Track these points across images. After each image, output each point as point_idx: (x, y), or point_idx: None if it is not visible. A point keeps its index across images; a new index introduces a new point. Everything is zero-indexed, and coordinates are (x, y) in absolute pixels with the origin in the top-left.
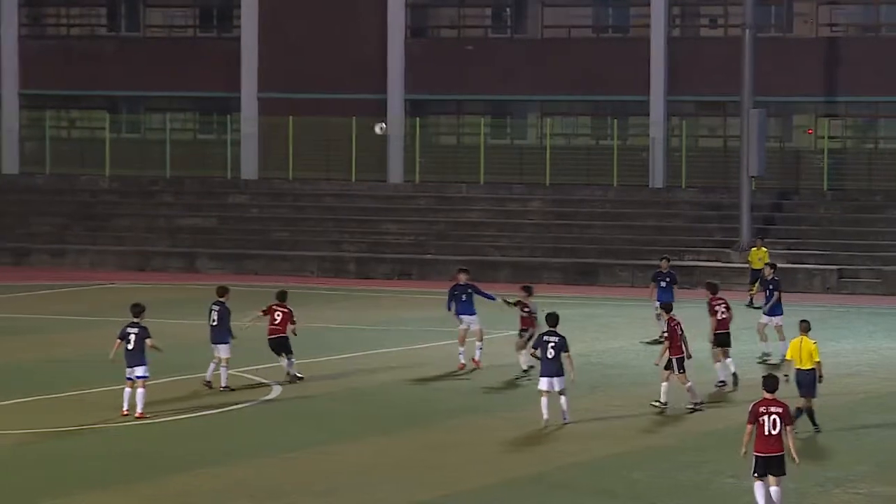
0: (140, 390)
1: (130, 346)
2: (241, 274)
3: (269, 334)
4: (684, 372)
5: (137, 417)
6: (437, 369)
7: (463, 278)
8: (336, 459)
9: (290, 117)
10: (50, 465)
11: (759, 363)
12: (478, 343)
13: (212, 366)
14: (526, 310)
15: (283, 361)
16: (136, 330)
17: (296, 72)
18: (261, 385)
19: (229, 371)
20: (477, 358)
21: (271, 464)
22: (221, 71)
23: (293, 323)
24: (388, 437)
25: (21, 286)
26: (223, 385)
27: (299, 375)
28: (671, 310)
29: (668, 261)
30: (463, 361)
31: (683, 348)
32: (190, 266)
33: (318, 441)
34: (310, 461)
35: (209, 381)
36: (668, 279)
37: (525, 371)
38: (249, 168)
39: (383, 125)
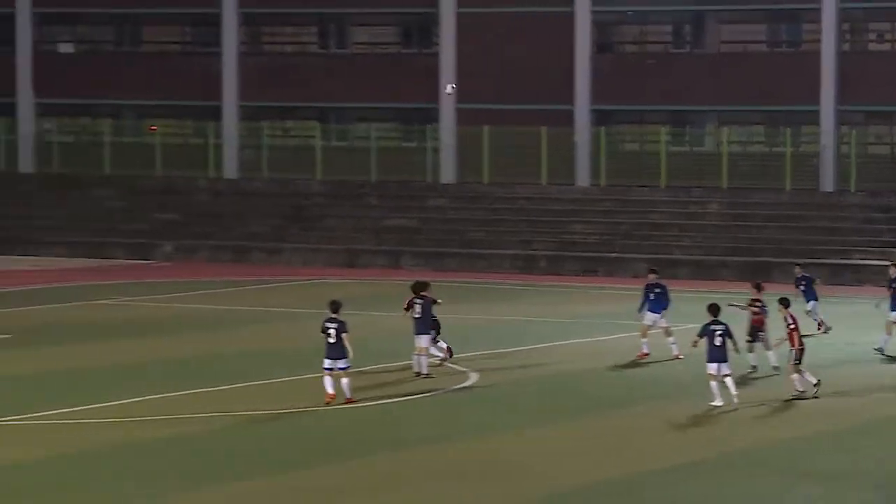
0: (344, 380)
1: (332, 340)
2: (441, 271)
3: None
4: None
5: (347, 402)
6: (621, 359)
7: (652, 277)
8: (529, 440)
9: (486, 127)
10: (271, 441)
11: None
12: (669, 339)
13: (414, 357)
14: (758, 304)
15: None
16: (335, 325)
17: (490, 84)
18: (460, 373)
19: (429, 360)
20: (675, 352)
21: (471, 445)
22: (422, 84)
23: (436, 303)
24: (577, 421)
25: (242, 281)
26: (424, 372)
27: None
28: (789, 305)
29: (802, 267)
30: (646, 350)
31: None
32: (394, 263)
33: (513, 424)
34: (505, 441)
35: (419, 372)
36: (804, 282)
37: (754, 368)
38: (448, 173)
39: (452, 87)
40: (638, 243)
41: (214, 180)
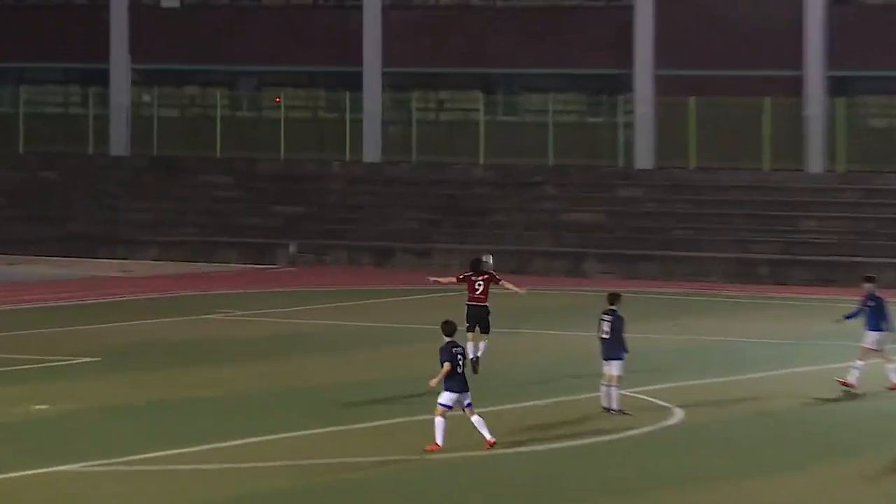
0: (475, 417)
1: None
2: (633, 278)
3: (468, 301)
4: None
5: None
6: (862, 389)
7: (868, 287)
8: (748, 495)
9: (691, 97)
10: (445, 490)
11: None
12: (889, 366)
13: (603, 388)
14: None
15: (470, 346)
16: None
17: (697, 45)
18: (661, 408)
19: (621, 391)
20: (895, 380)
21: (674, 499)
22: (611, 44)
23: (497, 282)
24: (804, 470)
25: (383, 291)
26: (615, 408)
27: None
28: None
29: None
30: (894, 381)
31: None
32: (575, 268)
33: (727, 473)
34: (718, 496)
35: (608, 407)
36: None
37: None
38: (643, 156)
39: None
40: (887, 244)
41: (351, 164)
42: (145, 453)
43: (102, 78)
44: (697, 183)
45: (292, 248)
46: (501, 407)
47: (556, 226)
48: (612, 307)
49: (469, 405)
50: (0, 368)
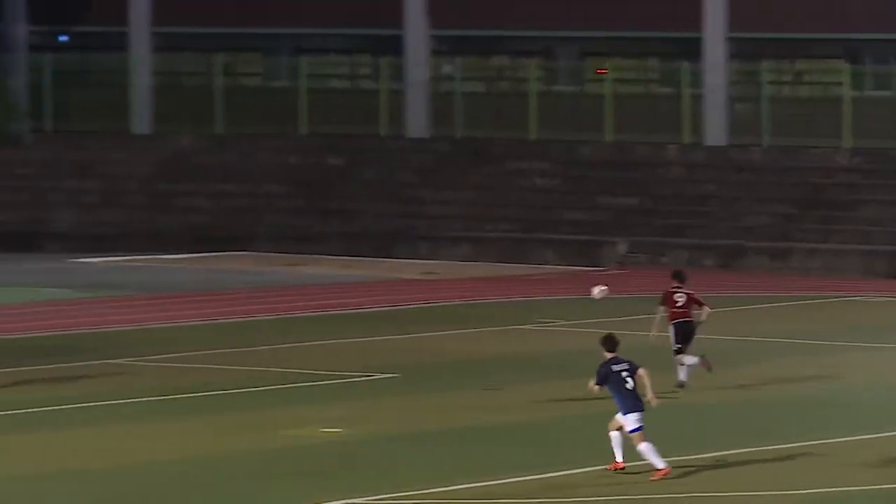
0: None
1: None
2: None
3: (673, 318)
4: None
5: None
6: None
7: None
8: None
9: None
10: None
11: None
12: None
13: None
14: None
15: (685, 359)
16: None
17: None
18: None
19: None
20: None
21: None
22: None
23: (700, 306)
24: None
25: (731, 298)
26: None
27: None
28: None
29: None
30: None
31: None
32: None
33: None
34: None
35: None
36: None
37: None
38: None
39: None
40: None
41: (690, 148)
42: (444, 486)
43: (396, 46)
44: None
45: (622, 247)
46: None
47: None
48: None
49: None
50: (284, 385)
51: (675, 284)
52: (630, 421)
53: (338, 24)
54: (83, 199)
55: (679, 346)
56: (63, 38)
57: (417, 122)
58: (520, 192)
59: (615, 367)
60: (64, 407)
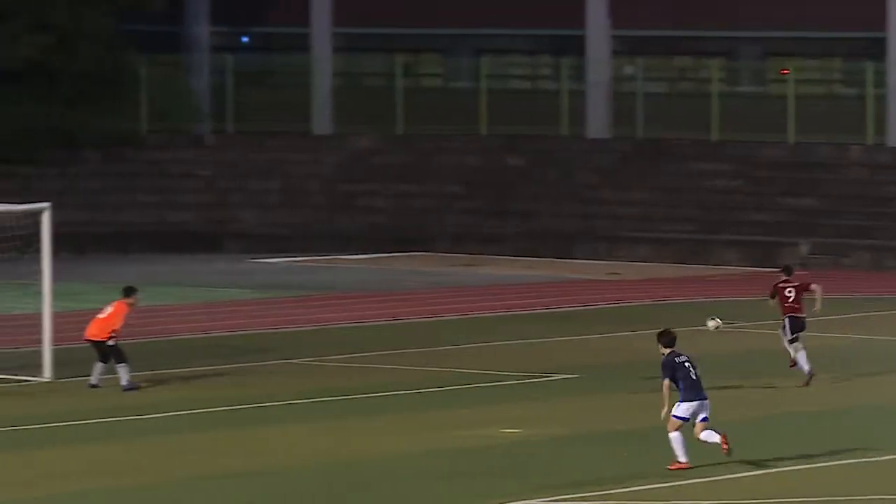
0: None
1: None
2: None
3: (786, 312)
4: None
5: None
6: None
7: None
8: None
9: None
10: None
11: None
12: None
13: None
14: None
15: (800, 357)
16: None
17: None
18: None
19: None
20: None
21: None
22: None
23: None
24: None
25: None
26: None
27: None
28: None
29: None
30: None
31: None
32: None
33: None
34: None
35: None
36: None
37: None
38: None
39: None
40: None
41: (874, 149)
42: (624, 487)
43: (577, 46)
44: None
45: (804, 248)
46: None
47: None
48: None
49: (705, 419)
50: (466, 385)
51: (784, 279)
52: (699, 409)
53: (519, 25)
54: (264, 199)
55: (794, 335)
56: (245, 39)
57: (598, 123)
58: (700, 193)
59: (678, 360)
60: (244, 406)
